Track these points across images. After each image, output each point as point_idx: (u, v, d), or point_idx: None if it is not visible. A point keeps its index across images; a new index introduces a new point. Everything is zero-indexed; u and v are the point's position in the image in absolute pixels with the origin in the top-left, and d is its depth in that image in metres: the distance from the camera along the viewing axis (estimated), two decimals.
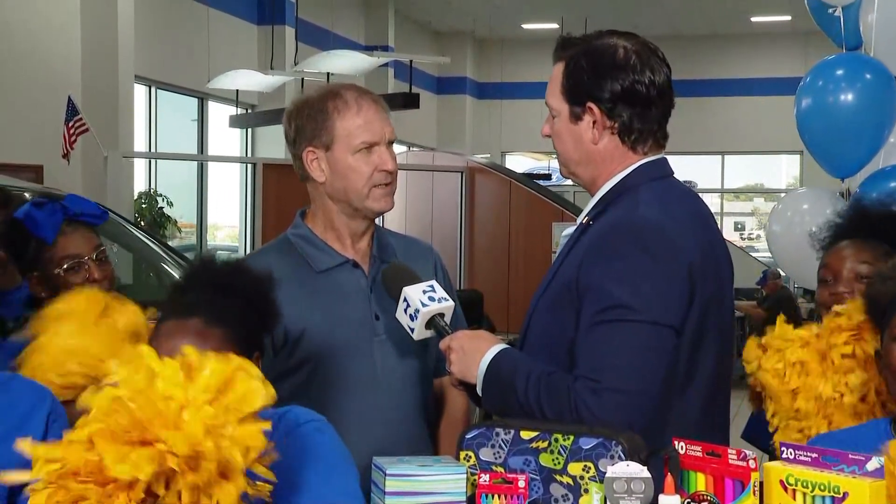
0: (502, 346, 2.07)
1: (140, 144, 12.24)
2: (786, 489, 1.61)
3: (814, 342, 2.13)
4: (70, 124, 8.81)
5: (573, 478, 1.83)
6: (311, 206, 2.44)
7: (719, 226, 2.70)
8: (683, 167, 16.74)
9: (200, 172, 13.98)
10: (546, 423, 1.90)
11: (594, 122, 2.07)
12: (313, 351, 2.30)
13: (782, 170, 21.80)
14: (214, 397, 1.48)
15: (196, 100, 14.00)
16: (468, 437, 1.93)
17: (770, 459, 1.71)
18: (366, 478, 1.88)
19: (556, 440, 1.85)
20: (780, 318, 2.21)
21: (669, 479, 1.67)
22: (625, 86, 2.04)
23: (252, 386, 1.50)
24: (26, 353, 2.17)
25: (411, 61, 12.31)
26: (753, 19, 19.24)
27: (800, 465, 1.62)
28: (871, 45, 4.23)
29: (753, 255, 15.34)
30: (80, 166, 9.90)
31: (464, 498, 1.83)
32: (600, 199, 2.09)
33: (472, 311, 5.62)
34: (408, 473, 1.83)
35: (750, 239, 21.58)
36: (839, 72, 4.23)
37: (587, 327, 1.93)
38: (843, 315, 2.11)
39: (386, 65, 15.73)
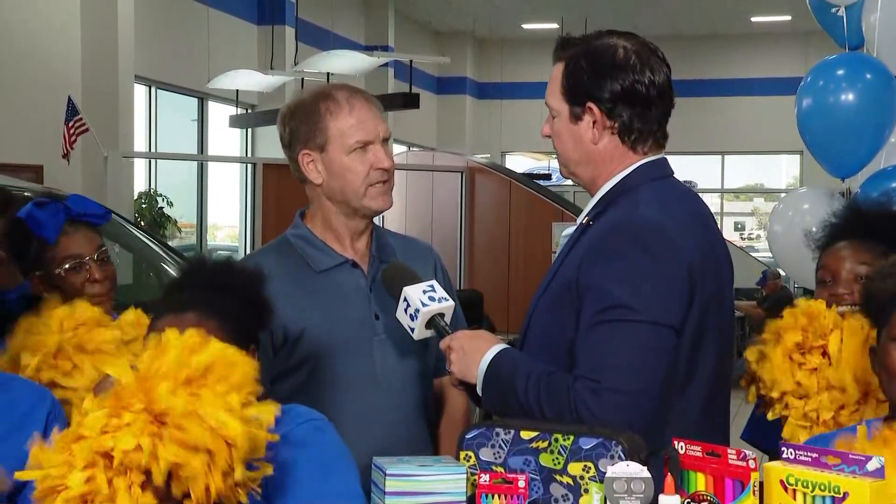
0: (502, 346, 2.07)
1: (140, 144, 12.23)
2: (786, 489, 1.61)
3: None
4: (70, 124, 8.81)
5: (573, 478, 1.83)
6: (310, 206, 2.45)
7: (719, 226, 2.70)
8: (683, 167, 16.75)
9: (200, 172, 13.97)
10: (546, 423, 1.90)
11: (594, 122, 2.07)
12: (313, 351, 2.30)
13: (782, 170, 21.80)
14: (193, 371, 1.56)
15: (196, 100, 13.99)
16: (468, 437, 1.93)
17: (771, 459, 1.71)
18: (366, 478, 1.88)
19: (556, 440, 1.85)
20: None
21: (669, 479, 1.67)
22: (625, 86, 2.04)
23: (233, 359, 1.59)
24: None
25: (411, 61, 12.30)
26: (753, 19, 19.23)
27: (800, 465, 1.62)
28: (874, 45, 4.22)
29: (753, 255, 15.34)
30: (80, 166, 9.90)
31: (464, 498, 1.83)
32: (600, 199, 2.09)
33: (472, 311, 5.61)
34: (408, 473, 1.83)
35: (750, 239, 21.58)
36: (840, 72, 4.23)
37: (587, 327, 1.93)
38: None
39: (386, 65, 15.72)
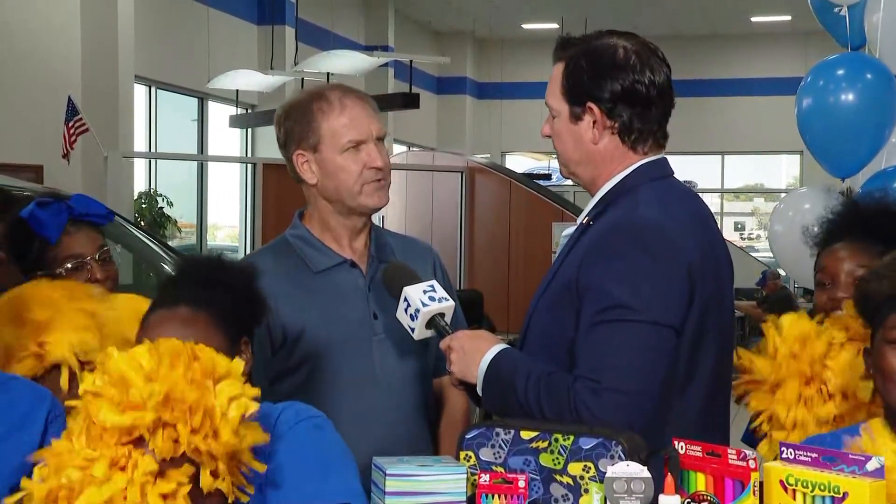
0: (502, 346, 2.07)
1: (140, 144, 12.23)
2: (786, 489, 1.61)
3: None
4: (70, 124, 8.81)
5: (573, 478, 1.83)
6: (308, 207, 2.45)
7: (719, 226, 2.69)
8: (683, 167, 16.72)
9: (200, 172, 13.97)
10: (546, 423, 1.90)
11: (594, 122, 2.07)
12: (312, 351, 2.30)
13: (782, 170, 21.79)
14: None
15: (196, 100, 13.99)
16: (468, 437, 1.93)
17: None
18: (366, 478, 1.88)
19: (556, 440, 1.85)
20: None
21: (669, 479, 1.67)
22: (625, 86, 2.04)
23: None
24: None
25: (411, 61, 12.29)
26: (753, 19, 19.22)
27: (800, 465, 1.62)
28: (876, 45, 4.22)
29: (753, 255, 15.34)
30: (80, 166, 9.90)
31: (464, 498, 1.83)
32: (600, 199, 2.09)
33: (472, 311, 5.62)
34: (408, 473, 1.83)
35: (750, 239, 21.57)
36: (840, 71, 4.23)
37: (587, 327, 1.93)
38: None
39: (386, 65, 15.72)
